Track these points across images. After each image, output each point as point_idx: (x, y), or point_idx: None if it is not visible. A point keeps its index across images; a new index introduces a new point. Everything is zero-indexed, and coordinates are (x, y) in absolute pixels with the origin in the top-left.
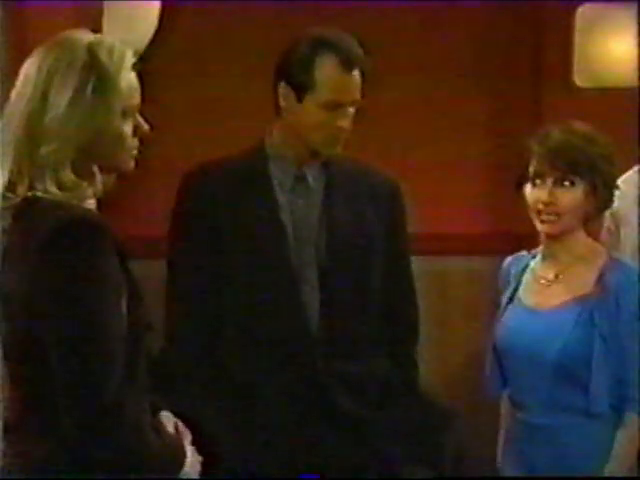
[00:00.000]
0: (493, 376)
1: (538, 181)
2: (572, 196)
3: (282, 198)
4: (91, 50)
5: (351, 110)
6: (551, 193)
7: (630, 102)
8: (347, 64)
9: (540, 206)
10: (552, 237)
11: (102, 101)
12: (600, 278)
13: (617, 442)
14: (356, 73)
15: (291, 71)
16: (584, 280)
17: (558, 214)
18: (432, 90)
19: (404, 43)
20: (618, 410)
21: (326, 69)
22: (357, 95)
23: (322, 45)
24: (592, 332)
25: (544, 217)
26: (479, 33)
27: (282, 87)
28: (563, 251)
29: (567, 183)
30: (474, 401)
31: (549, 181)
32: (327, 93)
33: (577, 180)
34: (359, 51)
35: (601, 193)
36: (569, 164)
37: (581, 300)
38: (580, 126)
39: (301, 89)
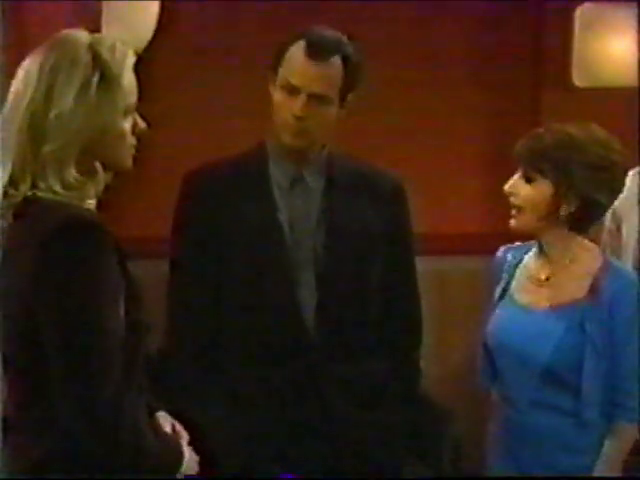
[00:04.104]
0: (484, 370)
1: (513, 176)
2: (530, 191)
3: (280, 199)
4: (93, 48)
5: (309, 100)
6: (512, 185)
7: (630, 102)
8: (312, 51)
9: (510, 199)
10: (516, 231)
11: (107, 99)
12: (594, 283)
13: (606, 450)
14: (324, 65)
15: (273, 58)
16: (577, 284)
17: (516, 207)
18: (431, 90)
19: (403, 43)
20: (607, 415)
21: (292, 52)
22: (318, 88)
23: (301, 34)
24: (583, 339)
25: (511, 209)
26: (478, 33)
27: (270, 75)
28: (556, 251)
29: (529, 177)
30: (473, 400)
31: (517, 175)
32: (286, 74)
33: (538, 177)
34: (336, 46)
35: (572, 198)
36: (531, 159)
37: (573, 305)
38: (574, 130)
39: (274, 71)
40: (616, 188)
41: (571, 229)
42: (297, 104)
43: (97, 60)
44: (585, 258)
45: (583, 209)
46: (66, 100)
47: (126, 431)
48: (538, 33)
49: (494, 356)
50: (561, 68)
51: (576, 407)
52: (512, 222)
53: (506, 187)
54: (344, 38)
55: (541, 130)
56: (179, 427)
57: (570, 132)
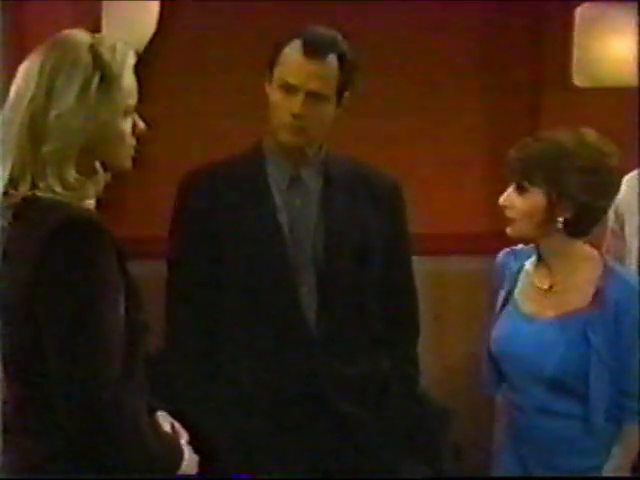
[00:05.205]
0: (489, 377)
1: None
2: (524, 203)
3: (279, 198)
4: (94, 49)
5: (306, 98)
6: (506, 198)
7: (630, 102)
8: (309, 50)
9: (505, 211)
10: (515, 239)
11: (106, 100)
12: (598, 291)
13: (614, 453)
14: (321, 63)
15: (269, 57)
16: (580, 292)
17: (513, 218)
18: (431, 90)
19: (403, 43)
20: (614, 418)
21: (288, 51)
22: (315, 85)
23: (296, 33)
24: (589, 348)
25: (508, 219)
26: (478, 33)
27: (266, 75)
28: (556, 260)
29: (522, 188)
30: (473, 400)
31: (511, 186)
32: (283, 73)
33: (530, 187)
34: (332, 44)
35: (567, 205)
36: (522, 170)
37: (577, 314)
38: (563, 136)
39: (270, 71)
40: (610, 191)
41: (570, 235)
42: (295, 102)
43: (98, 61)
44: (586, 266)
45: (579, 215)
46: (66, 100)
47: (126, 431)
48: (538, 33)
49: (499, 363)
50: (561, 68)
51: (584, 413)
52: (508, 230)
53: (501, 200)
54: (339, 36)
55: (529, 139)
56: (178, 427)
57: (558, 139)
